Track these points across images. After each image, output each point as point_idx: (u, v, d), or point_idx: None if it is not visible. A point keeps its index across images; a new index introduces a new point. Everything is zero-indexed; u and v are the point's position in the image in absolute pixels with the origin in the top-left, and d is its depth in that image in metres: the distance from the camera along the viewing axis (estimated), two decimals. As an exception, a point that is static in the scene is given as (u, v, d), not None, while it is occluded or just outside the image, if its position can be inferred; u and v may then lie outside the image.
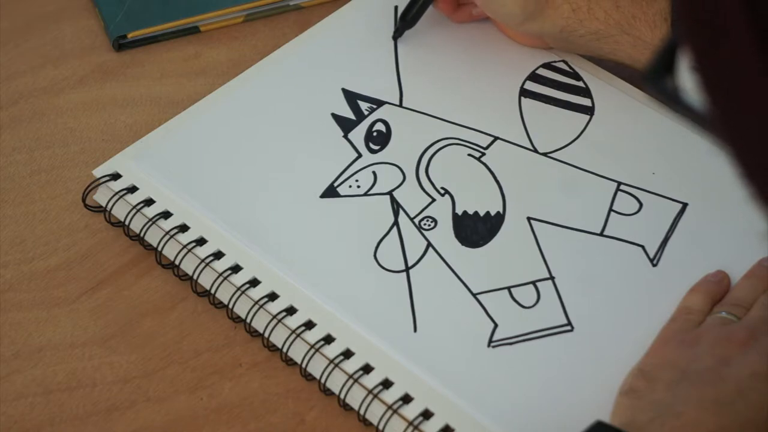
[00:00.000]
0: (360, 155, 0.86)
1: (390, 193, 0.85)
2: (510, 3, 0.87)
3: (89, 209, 0.85)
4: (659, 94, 0.46)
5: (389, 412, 0.74)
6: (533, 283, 0.80)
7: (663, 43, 0.46)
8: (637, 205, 0.84)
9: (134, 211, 0.83)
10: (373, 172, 0.85)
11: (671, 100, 0.46)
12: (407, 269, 0.81)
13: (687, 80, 0.44)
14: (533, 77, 0.91)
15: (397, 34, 0.93)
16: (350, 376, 0.76)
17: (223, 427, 0.76)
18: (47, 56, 0.94)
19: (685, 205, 0.84)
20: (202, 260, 0.81)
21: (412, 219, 0.83)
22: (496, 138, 0.88)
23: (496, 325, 0.78)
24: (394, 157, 0.86)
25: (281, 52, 0.92)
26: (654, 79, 0.46)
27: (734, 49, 0.41)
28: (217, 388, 0.78)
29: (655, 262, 0.81)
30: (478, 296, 0.79)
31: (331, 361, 0.77)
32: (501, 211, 0.84)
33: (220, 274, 0.80)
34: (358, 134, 0.88)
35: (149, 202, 0.83)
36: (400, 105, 0.89)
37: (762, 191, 0.43)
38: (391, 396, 0.75)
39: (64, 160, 0.88)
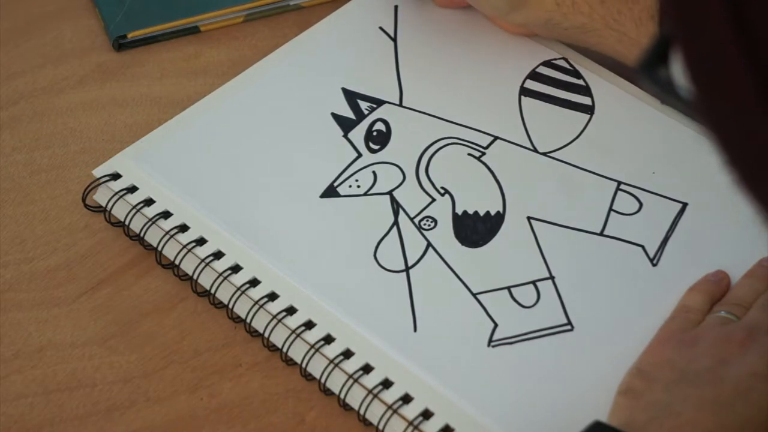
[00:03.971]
0: (360, 155, 0.86)
1: (390, 192, 0.84)
2: None
3: (89, 209, 0.85)
4: (652, 85, 0.47)
5: (389, 412, 0.74)
6: (533, 282, 0.80)
7: (657, 34, 0.46)
8: (637, 204, 0.84)
9: (134, 211, 0.83)
10: (373, 172, 0.85)
11: (664, 90, 0.46)
12: (407, 269, 0.81)
13: (680, 71, 0.45)
14: (533, 76, 0.91)
15: None
16: (350, 376, 0.76)
17: (223, 427, 0.76)
18: (47, 56, 0.94)
19: (685, 205, 0.84)
20: (202, 260, 0.81)
21: (412, 219, 0.83)
22: (496, 137, 0.88)
23: (496, 325, 0.78)
24: (394, 157, 0.86)
25: (281, 52, 0.92)
26: (647, 70, 0.46)
27: (714, 37, 0.41)
28: (217, 388, 0.78)
29: (655, 262, 0.81)
30: (478, 296, 0.79)
31: (331, 361, 0.77)
32: (501, 211, 0.84)
33: (220, 274, 0.80)
34: (358, 134, 0.88)
35: (149, 202, 0.83)
36: (400, 104, 0.89)
37: (745, 178, 0.44)
38: (391, 396, 0.75)
39: (64, 160, 0.88)
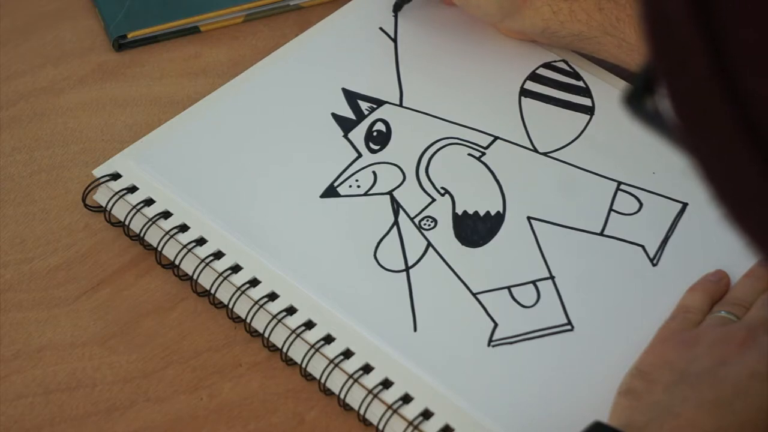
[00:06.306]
0: (360, 155, 0.86)
1: (390, 192, 0.85)
2: (484, 3, 0.87)
3: (89, 209, 0.85)
4: (639, 116, 0.47)
5: (389, 412, 0.74)
6: (533, 282, 0.80)
7: (643, 64, 0.46)
8: (637, 204, 0.84)
9: (134, 211, 0.83)
10: (373, 172, 0.85)
11: (651, 122, 0.46)
12: (407, 269, 0.81)
13: (666, 103, 0.45)
14: (533, 77, 0.91)
15: (397, 8, 0.93)
16: (350, 376, 0.76)
17: (223, 427, 0.76)
18: (47, 56, 0.94)
19: (685, 205, 0.84)
20: (202, 260, 0.81)
21: (412, 219, 0.83)
22: (496, 138, 0.88)
23: (496, 325, 0.78)
24: (394, 157, 0.86)
25: (281, 52, 0.92)
26: (633, 101, 0.46)
27: (694, 76, 0.41)
28: (217, 388, 0.78)
29: (655, 262, 0.81)
30: (478, 296, 0.79)
31: (331, 361, 0.77)
32: (501, 211, 0.84)
33: (220, 274, 0.80)
34: (358, 134, 0.88)
35: (149, 202, 0.83)
36: (400, 105, 0.89)
37: (732, 212, 0.44)
38: (391, 396, 0.75)
39: (64, 160, 0.88)
